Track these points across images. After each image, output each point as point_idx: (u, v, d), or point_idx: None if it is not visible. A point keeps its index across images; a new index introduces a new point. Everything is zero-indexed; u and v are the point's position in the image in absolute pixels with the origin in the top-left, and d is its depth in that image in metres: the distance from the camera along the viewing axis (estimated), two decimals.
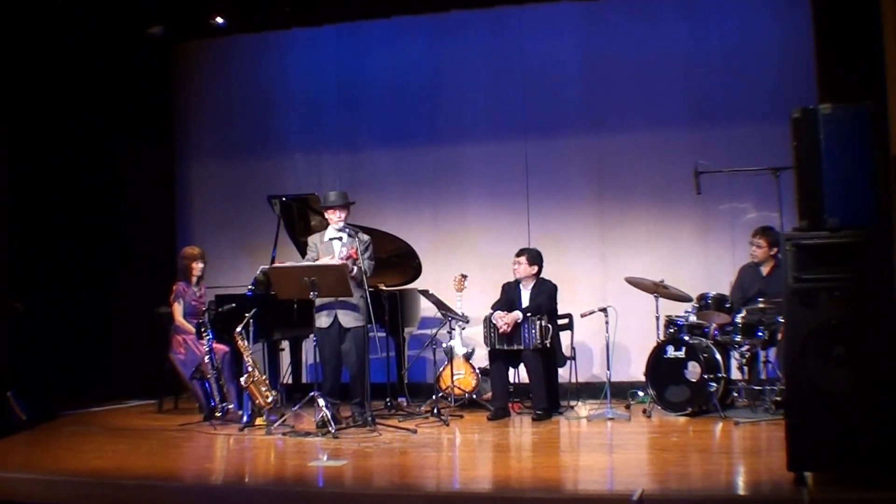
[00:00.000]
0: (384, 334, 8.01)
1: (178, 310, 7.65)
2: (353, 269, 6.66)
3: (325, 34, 9.39)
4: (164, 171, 9.74)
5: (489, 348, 7.37)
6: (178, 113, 9.88)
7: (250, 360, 7.00)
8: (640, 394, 7.61)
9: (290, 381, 8.49)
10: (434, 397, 7.57)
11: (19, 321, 7.68)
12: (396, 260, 8.27)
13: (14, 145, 7.93)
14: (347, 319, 6.79)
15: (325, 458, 5.73)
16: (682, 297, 7.45)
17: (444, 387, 7.77)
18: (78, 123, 9.00)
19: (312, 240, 7.11)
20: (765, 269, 7.29)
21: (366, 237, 7.00)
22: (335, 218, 6.92)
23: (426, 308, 8.33)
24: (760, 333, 6.82)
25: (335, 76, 9.46)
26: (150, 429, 7.23)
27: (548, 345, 7.15)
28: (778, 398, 6.61)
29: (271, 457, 6.12)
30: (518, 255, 7.57)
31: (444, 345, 7.94)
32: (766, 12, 8.32)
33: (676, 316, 7.36)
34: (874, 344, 4.39)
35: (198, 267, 7.76)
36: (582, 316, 7.47)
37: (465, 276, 7.93)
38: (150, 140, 9.53)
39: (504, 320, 7.19)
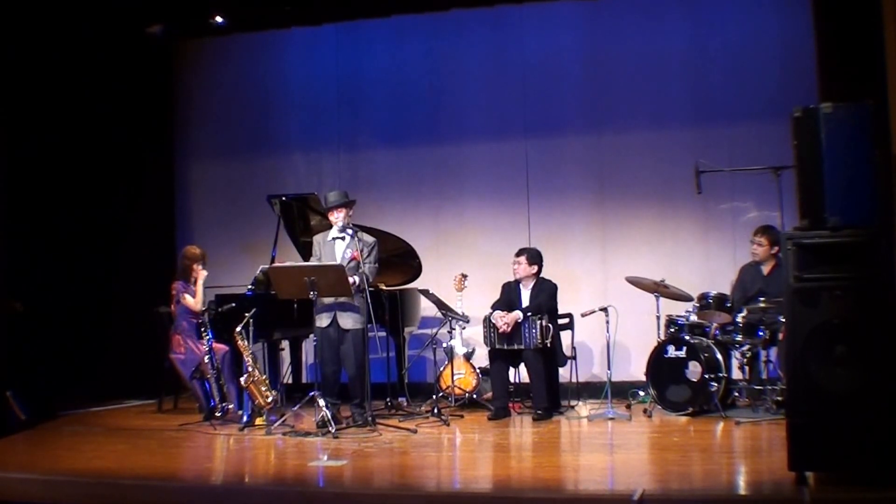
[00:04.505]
0: (384, 334, 8.00)
1: (189, 300, 7.59)
2: (355, 279, 6.64)
3: (325, 33, 9.38)
4: (164, 171, 9.74)
5: (489, 348, 7.36)
6: (178, 112, 9.87)
7: (250, 359, 6.99)
8: (641, 393, 7.60)
9: (290, 381, 8.50)
10: (434, 397, 7.56)
11: (19, 321, 7.67)
12: (396, 259, 8.27)
13: (14, 145, 7.91)
14: (346, 321, 6.78)
15: (325, 458, 5.73)
16: (683, 297, 7.44)
17: (444, 387, 7.76)
18: (77, 123, 8.98)
19: (317, 239, 7.11)
20: (766, 269, 7.27)
21: (370, 239, 6.99)
22: (335, 218, 6.91)
23: (426, 308, 8.32)
24: (761, 333, 6.81)
25: (335, 76, 9.46)
26: (150, 429, 7.22)
27: (548, 344, 7.14)
28: (779, 398, 6.60)
29: (271, 457, 6.11)
30: (518, 254, 7.56)
31: (444, 344, 7.93)
32: (767, 12, 8.31)
33: (677, 315, 7.35)
34: (875, 343, 4.38)
35: (198, 270, 7.70)
36: (582, 315, 7.46)
37: (465, 276, 7.92)
38: (150, 140, 9.51)
39: (504, 320, 7.18)
